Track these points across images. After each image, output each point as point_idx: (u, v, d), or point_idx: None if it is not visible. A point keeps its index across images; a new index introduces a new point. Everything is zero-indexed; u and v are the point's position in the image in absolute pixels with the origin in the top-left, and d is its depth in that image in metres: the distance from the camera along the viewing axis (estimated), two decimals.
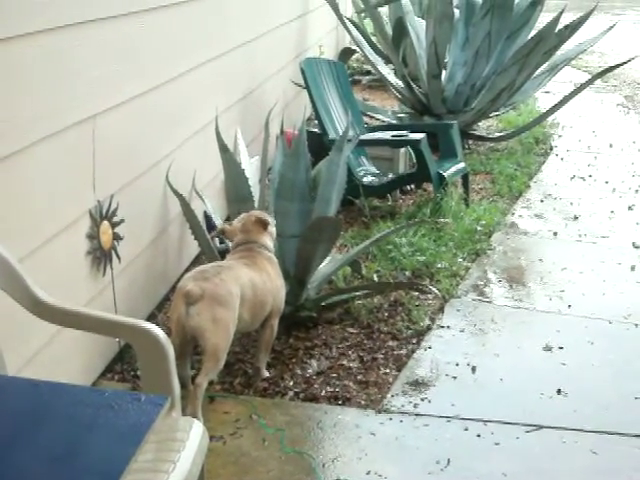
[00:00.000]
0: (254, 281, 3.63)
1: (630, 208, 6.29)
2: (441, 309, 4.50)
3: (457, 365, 3.96)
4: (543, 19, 7.44)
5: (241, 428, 3.40)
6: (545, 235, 5.75)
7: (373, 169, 6.15)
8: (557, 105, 7.68)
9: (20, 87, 2.86)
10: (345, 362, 3.95)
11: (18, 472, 1.64)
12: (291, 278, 4.18)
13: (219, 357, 3.40)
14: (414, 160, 6.01)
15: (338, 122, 6.11)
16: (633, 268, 5.15)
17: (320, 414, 3.54)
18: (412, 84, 7.70)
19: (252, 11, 5.89)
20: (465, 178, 6.19)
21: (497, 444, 3.37)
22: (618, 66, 8.06)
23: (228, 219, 4.50)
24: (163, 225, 4.30)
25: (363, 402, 3.63)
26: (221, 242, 4.60)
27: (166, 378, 2.45)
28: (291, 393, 3.69)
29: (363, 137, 5.84)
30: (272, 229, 3.93)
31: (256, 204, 4.37)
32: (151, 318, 4.08)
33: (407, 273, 4.86)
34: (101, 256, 3.52)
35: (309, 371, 3.87)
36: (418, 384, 3.79)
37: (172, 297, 3.90)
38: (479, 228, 5.55)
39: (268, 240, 3.87)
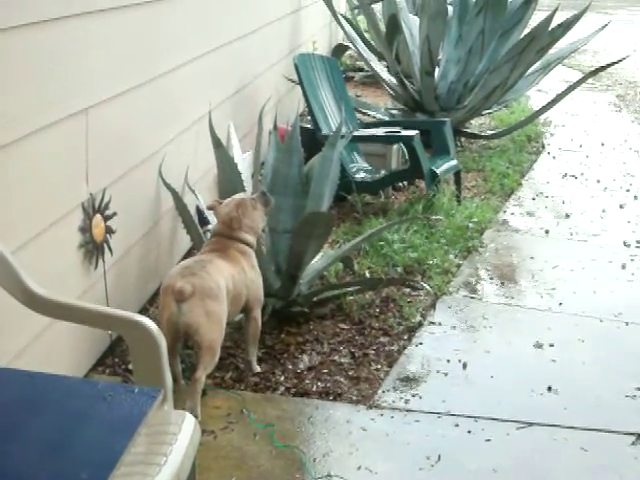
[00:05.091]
0: (231, 272, 3.61)
1: (621, 207, 6.31)
2: (432, 306, 4.51)
3: (448, 361, 3.96)
4: (536, 17, 7.45)
5: (232, 422, 3.40)
6: (536, 233, 5.76)
7: (366, 165, 6.15)
8: (549, 103, 7.70)
9: (11, 79, 2.84)
10: (336, 357, 3.95)
11: (11, 462, 1.64)
12: (283, 273, 4.18)
13: (215, 350, 3.40)
14: (406, 157, 6.01)
15: (331, 118, 6.10)
16: (624, 266, 5.17)
17: (311, 409, 3.54)
18: (405, 81, 7.70)
19: (246, 6, 5.88)
20: (457, 175, 6.20)
21: (488, 440, 3.38)
22: (610, 65, 8.08)
23: None
24: (155, 219, 4.30)
25: (354, 398, 3.63)
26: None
27: (158, 371, 2.45)
28: (282, 388, 3.69)
29: (356, 133, 5.84)
30: (256, 219, 3.82)
31: None
32: (143, 312, 4.07)
33: (399, 269, 4.86)
34: (93, 249, 3.51)
35: (300, 366, 3.87)
36: (409, 380, 3.79)
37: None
38: (471, 225, 5.56)
39: (244, 233, 3.76)
